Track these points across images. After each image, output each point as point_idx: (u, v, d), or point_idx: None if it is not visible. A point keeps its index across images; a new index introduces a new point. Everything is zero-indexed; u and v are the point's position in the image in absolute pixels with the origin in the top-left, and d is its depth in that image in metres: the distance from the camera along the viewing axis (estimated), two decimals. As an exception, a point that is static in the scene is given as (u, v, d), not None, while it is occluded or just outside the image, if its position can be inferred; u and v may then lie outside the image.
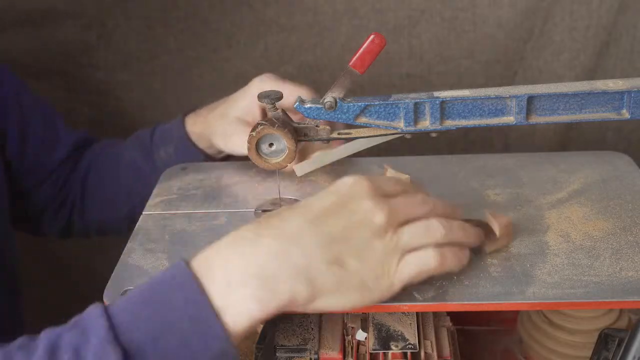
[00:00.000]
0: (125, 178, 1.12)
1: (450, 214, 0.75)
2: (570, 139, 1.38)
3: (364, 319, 0.84)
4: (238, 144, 0.97)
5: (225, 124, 0.99)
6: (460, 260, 0.73)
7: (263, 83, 0.98)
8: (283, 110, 0.85)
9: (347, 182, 0.71)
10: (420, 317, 0.84)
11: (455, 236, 0.73)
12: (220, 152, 1.04)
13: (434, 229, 0.71)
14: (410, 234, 0.70)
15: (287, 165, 0.87)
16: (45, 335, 0.64)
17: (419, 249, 0.71)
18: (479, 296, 0.74)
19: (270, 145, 0.86)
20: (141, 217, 0.93)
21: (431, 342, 0.82)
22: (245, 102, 0.99)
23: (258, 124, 0.85)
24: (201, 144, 1.05)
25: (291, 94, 0.89)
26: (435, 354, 0.81)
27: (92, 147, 1.17)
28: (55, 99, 1.35)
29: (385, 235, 0.69)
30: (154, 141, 1.10)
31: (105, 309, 0.64)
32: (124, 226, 1.12)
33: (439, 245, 0.71)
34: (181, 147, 1.07)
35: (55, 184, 1.14)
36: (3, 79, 1.08)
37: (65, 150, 1.14)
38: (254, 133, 0.84)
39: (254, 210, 0.93)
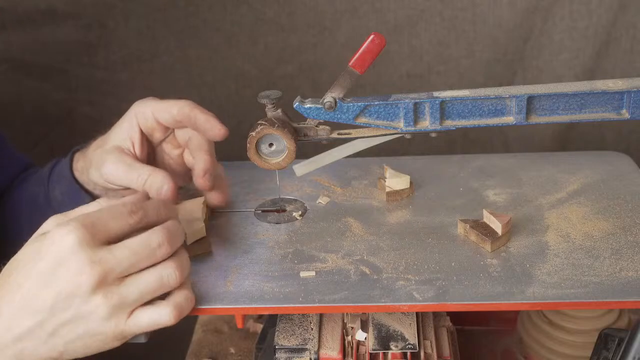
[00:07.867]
0: (27, 215, 0.99)
1: (163, 214, 0.72)
2: (570, 139, 1.38)
3: (364, 319, 0.84)
4: (111, 172, 0.85)
5: (101, 153, 0.88)
6: (191, 301, 0.72)
7: (142, 104, 0.89)
8: (283, 110, 0.85)
9: (55, 239, 0.67)
10: (420, 317, 0.84)
11: (178, 244, 0.71)
12: (103, 187, 0.90)
13: (166, 279, 0.69)
14: (137, 290, 0.68)
15: (286, 166, 0.87)
16: None
17: (152, 304, 0.69)
18: (479, 296, 0.74)
19: (270, 145, 0.85)
20: (141, 217, 0.93)
21: (431, 342, 0.82)
22: (122, 128, 0.89)
23: (258, 123, 0.84)
24: (83, 180, 0.93)
25: (167, 109, 0.85)
26: (435, 354, 0.81)
27: (20, 176, 1.04)
28: (56, 98, 1.36)
29: (99, 293, 0.66)
30: (50, 179, 0.97)
31: None
32: None
33: (173, 297, 0.70)
34: (68, 189, 0.94)
35: None
36: None
37: (6, 177, 1.04)
38: (253, 133, 0.84)
39: (253, 210, 0.93)
